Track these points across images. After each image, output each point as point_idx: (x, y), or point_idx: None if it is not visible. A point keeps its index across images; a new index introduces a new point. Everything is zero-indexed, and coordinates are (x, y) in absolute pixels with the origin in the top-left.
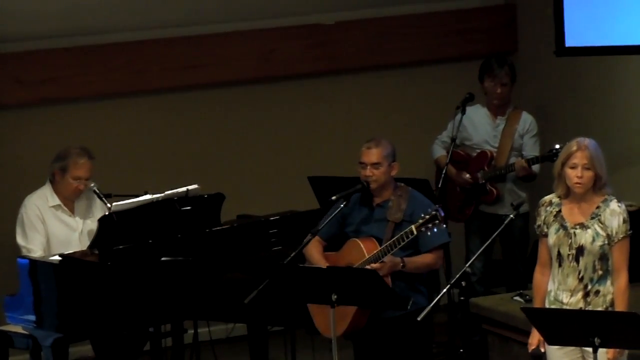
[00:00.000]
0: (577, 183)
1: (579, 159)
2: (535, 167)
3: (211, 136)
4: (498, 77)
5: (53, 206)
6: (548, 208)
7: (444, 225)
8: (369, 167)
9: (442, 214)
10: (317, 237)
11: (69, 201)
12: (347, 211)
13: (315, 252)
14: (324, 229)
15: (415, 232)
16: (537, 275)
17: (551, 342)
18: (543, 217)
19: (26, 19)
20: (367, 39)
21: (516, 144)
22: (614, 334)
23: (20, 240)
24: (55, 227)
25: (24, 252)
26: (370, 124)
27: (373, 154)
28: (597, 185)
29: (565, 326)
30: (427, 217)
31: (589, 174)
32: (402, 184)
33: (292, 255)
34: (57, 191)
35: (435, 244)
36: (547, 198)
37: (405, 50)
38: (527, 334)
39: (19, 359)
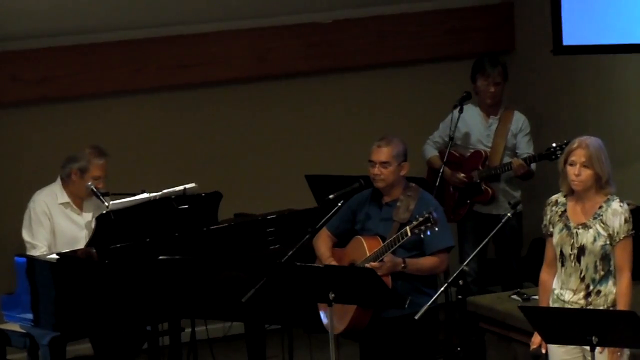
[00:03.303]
0: (574, 180)
1: (577, 156)
2: (532, 165)
3: (208, 135)
4: (491, 76)
5: (62, 203)
6: (554, 208)
7: (448, 228)
8: (377, 165)
9: (436, 216)
10: (327, 233)
11: (78, 199)
12: (357, 208)
13: (323, 246)
14: (334, 226)
15: (409, 234)
16: (543, 275)
17: (549, 341)
18: (549, 217)
19: (23, 18)
20: (364, 38)
21: (509, 143)
22: (612, 333)
23: (25, 235)
24: (62, 224)
25: (29, 248)
26: (367, 123)
27: (382, 153)
28: (598, 185)
29: (563, 325)
30: (421, 219)
31: (587, 172)
32: (414, 185)
33: (289, 253)
34: (67, 189)
35: (440, 247)
36: (554, 198)
37: (402, 49)
38: (525, 332)
39: (17, 357)
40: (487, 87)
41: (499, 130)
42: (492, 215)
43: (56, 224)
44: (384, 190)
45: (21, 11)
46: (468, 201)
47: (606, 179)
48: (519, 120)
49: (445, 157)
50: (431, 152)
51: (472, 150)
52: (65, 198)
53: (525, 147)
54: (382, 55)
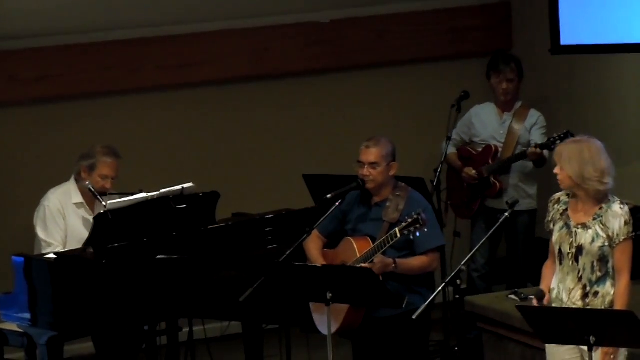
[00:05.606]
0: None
1: (555, 159)
2: (545, 152)
3: (206, 134)
4: (503, 73)
5: (76, 203)
6: (556, 206)
7: (438, 227)
8: (366, 166)
9: (425, 217)
10: (317, 234)
11: (92, 200)
12: (347, 208)
13: (313, 249)
14: (324, 226)
15: (398, 236)
16: (547, 265)
17: (547, 341)
18: (551, 214)
19: (21, 17)
20: (362, 37)
21: (523, 139)
22: (610, 333)
23: (41, 234)
24: (75, 224)
25: (44, 246)
26: (365, 123)
27: (371, 154)
28: (591, 185)
29: (561, 325)
30: (410, 220)
31: (563, 174)
32: (403, 184)
33: (287, 253)
34: (81, 189)
35: (430, 246)
36: (557, 195)
37: (400, 48)
38: (523, 332)
39: (14, 357)
40: (499, 84)
41: (513, 126)
42: (502, 210)
43: (69, 224)
44: (373, 190)
45: (19, 11)
46: (480, 196)
47: (589, 177)
48: (533, 116)
49: (444, 156)
50: (449, 149)
51: (484, 146)
52: (80, 198)
53: (539, 139)
54: (380, 55)
